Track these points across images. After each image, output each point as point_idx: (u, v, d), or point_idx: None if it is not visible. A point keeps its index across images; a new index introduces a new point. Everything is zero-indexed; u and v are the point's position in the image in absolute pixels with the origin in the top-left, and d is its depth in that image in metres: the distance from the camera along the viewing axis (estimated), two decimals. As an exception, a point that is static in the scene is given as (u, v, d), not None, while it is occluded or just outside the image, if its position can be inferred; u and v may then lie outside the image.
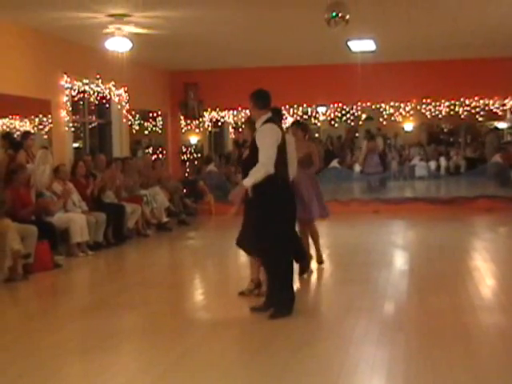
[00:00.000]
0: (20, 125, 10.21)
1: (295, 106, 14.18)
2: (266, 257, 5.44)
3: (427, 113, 14.21)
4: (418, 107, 14.11)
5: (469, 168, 18.32)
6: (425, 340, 4.66)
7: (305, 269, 6.80)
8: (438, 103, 13.97)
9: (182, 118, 14.60)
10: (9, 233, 6.90)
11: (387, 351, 4.46)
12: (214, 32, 10.08)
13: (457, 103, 13.94)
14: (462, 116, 14.25)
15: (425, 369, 4.05)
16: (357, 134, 22.33)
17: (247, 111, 14.09)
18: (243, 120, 13.94)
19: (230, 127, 16.74)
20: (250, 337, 5.00)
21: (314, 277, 6.98)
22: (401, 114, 14.26)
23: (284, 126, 6.80)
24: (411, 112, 14.26)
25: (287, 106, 13.88)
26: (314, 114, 14.75)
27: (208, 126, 15.31)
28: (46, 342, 4.84)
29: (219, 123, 16.02)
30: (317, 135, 20.67)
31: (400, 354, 4.36)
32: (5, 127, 9.99)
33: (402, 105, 14.11)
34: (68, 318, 5.61)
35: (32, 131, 9.67)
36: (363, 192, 15.36)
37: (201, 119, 14.64)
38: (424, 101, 13.96)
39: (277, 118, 6.48)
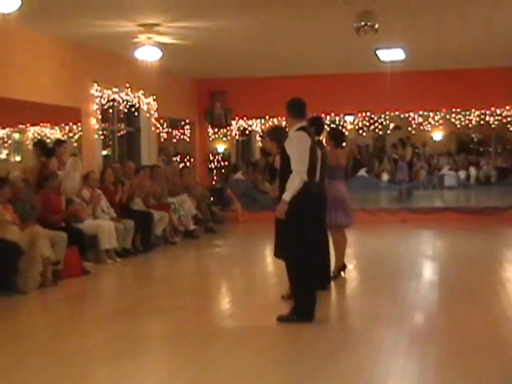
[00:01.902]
0: (50, 132, 10.37)
1: (323, 115, 14.12)
2: (291, 262, 5.43)
3: (457, 122, 14.04)
4: (448, 116, 13.95)
5: (500, 178, 18.03)
6: (456, 352, 4.56)
7: (326, 283, 6.55)
8: (467, 112, 13.80)
9: (208, 126, 14.66)
10: (39, 239, 6.98)
11: (417, 362, 4.39)
12: (241, 41, 10.12)
13: (487, 113, 13.74)
14: (493, 125, 14.04)
15: (455, 382, 3.96)
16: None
17: (274, 120, 14.18)
18: (264, 132, 13.95)
19: (258, 136, 16.78)
20: (277, 345, 4.97)
21: (342, 286, 6.91)
22: (430, 123, 14.11)
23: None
24: (440, 121, 14.11)
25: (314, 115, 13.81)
26: (341, 123, 14.68)
27: (235, 134, 15.34)
28: (75, 347, 4.88)
29: (246, 132, 16.06)
30: (344, 144, 20.54)
31: (430, 366, 4.27)
32: (36, 135, 10.16)
33: (431, 114, 13.97)
34: (96, 324, 5.65)
35: (63, 139, 9.82)
36: (391, 201, 15.22)
37: (228, 127, 14.67)
38: (453, 110, 13.80)
39: (317, 127, 6.54)
